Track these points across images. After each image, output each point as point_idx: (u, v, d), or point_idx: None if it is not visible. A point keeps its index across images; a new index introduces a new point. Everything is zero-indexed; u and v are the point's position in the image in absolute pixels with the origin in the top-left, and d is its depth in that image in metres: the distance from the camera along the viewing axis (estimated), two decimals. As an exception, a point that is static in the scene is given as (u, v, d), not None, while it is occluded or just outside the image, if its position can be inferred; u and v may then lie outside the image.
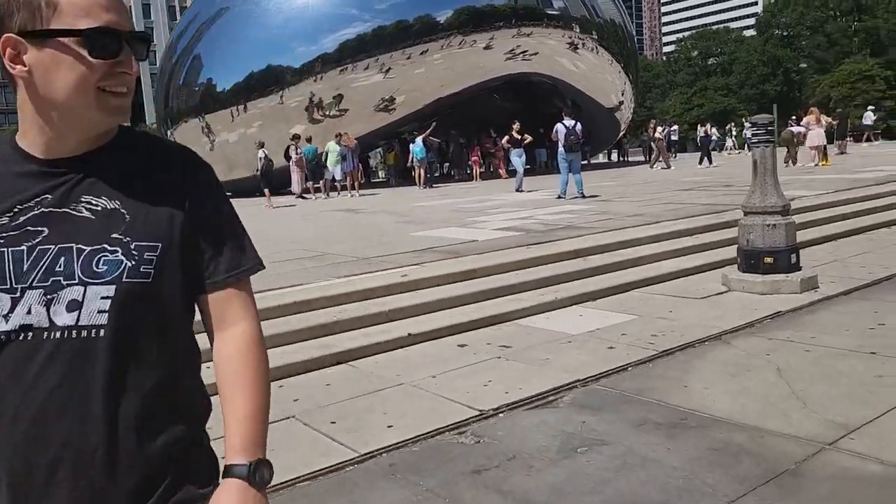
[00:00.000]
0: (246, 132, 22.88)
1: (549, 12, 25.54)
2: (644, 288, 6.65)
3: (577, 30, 26.08)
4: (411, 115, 23.88)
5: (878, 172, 15.04)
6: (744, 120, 30.36)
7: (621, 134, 32.26)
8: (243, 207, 12.31)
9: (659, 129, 25.78)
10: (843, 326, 5.22)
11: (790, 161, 18.87)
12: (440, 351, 5.16)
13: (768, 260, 6.35)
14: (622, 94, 29.04)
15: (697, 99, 56.98)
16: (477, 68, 24.72)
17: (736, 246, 6.80)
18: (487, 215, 11.44)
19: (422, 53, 22.91)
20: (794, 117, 24.20)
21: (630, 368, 4.56)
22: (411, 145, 21.56)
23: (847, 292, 6.25)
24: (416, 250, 7.89)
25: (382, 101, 23.05)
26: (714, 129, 31.69)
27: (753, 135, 6.85)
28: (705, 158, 23.46)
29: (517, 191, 16.09)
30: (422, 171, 21.07)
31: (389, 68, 22.90)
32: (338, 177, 19.43)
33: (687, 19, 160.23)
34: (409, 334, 5.28)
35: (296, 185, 20.32)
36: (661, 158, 23.90)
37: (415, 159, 20.80)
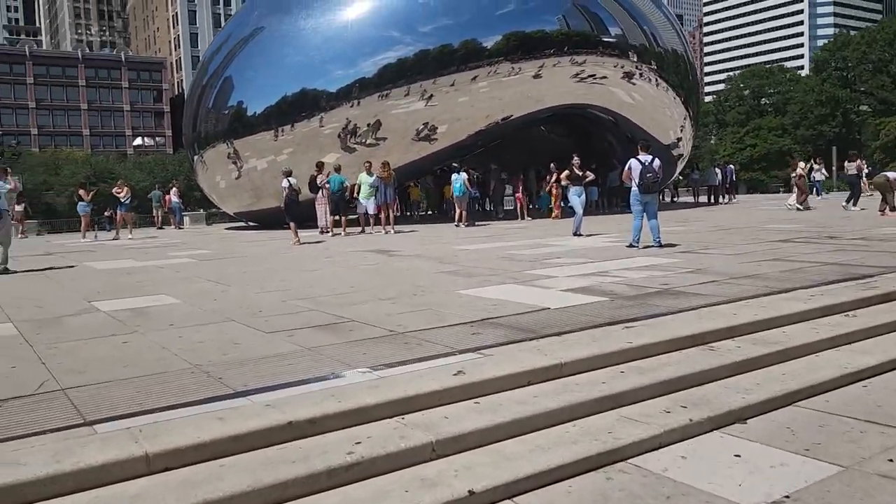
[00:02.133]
0: (276, 159, 21.22)
1: (605, 39, 23.62)
2: (817, 401, 4.47)
3: (635, 59, 24.11)
4: (452, 147, 22.05)
5: None
6: (813, 162, 27.87)
7: (677, 173, 30.01)
8: (267, 242, 10.03)
9: (801, 164, 23.02)
10: None
11: (886, 209, 16.45)
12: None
13: None
14: (681, 130, 26.89)
15: (750, 139, 54.48)
16: (525, 98, 22.87)
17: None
18: (549, 267, 9.35)
19: (472, 80, 21.13)
20: (851, 159, 21.40)
21: None
22: (454, 176, 19.61)
23: None
24: (471, 322, 5.83)
25: (423, 131, 21.27)
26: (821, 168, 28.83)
27: None
28: (851, 199, 20.07)
29: (575, 234, 13.99)
30: (463, 209, 19.18)
31: (431, 95, 21.16)
32: (370, 210, 17.71)
33: (730, 59, 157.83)
34: (471, 492, 3.19)
35: (321, 219, 18.52)
36: (800, 198, 20.83)
37: (454, 195, 18.87)
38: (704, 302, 6.36)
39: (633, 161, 11.05)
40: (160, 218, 30.02)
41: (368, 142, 20.81)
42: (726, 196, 28.28)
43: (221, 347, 5.19)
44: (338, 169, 18.13)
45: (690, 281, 7.61)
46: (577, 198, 14.03)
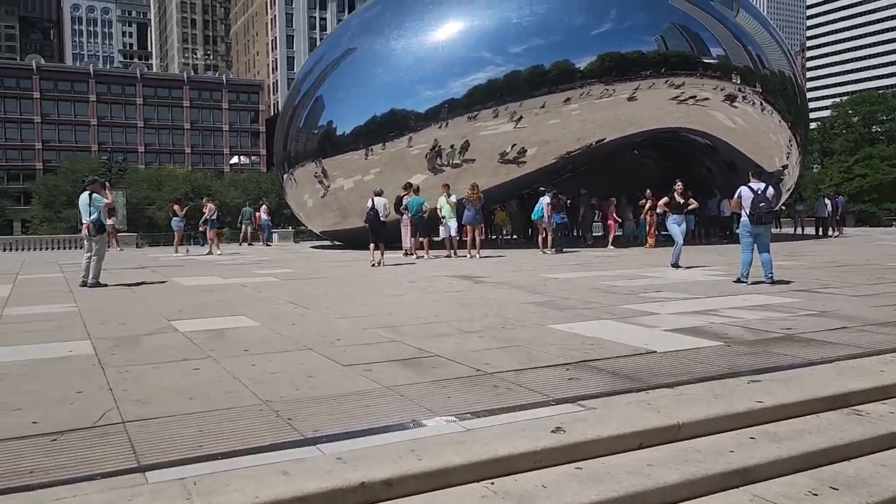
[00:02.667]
0: (363, 179, 21.21)
1: (706, 61, 22.48)
2: None
3: (738, 80, 22.84)
4: (541, 170, 21.43)
5: None
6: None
7: (780, 203, 28.21)
8: (350, 263, 9.36)
9: None
10: None
11: None
12: None
13: None
14: (787, 157, 25.28)
15: (860, 168, 51.14)
16: (618, 121, 22.03)
17: None
18: (649, 301, 8.58)
19: (564, 102, 20.52)
20: None
21: None
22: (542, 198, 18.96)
23: None
24: (566, 364, 5.21)
25: (511, 153, 20.77)
26: None
27: None
28: None
29: (673, 266, 13.06)
30: (549, 234, 18.51)
31: (521, 117, 20.66)
32: (452, 232, 17.37)
33: (836, 85, 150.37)
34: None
35: (405, 241, 18.25)
36: None
37: (545, 220, 18.22)
38: (840, 353, 5.49)
39: (743, 189, 10.13)
40: (249, 234, 30.64)
41: (455, 162, 20.50)
42: (835, 229, 26.32)
43: (295, 381, 4.79)
44: (417, 191, 17.84)
45: (817, 326, 6.70)
46: (676, 227, 13.11)
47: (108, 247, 26.39)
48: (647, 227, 20.66)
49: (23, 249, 33.52)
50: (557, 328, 6.77)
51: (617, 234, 22.42)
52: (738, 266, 10.40)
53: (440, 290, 10.28)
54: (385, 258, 15.00)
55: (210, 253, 21.47)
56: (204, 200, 22.14)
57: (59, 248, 33.28)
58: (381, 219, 15.01)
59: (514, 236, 28.76)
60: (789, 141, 25.04)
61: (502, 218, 24.28)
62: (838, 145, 57.62)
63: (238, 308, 8.54)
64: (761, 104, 23.64)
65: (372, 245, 14.91)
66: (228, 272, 14.12)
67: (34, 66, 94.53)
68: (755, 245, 10.23)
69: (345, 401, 4.29)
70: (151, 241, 40.88)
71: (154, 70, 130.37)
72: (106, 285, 11.20)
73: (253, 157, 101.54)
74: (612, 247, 20.27)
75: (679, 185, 13.35)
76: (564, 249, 19.15)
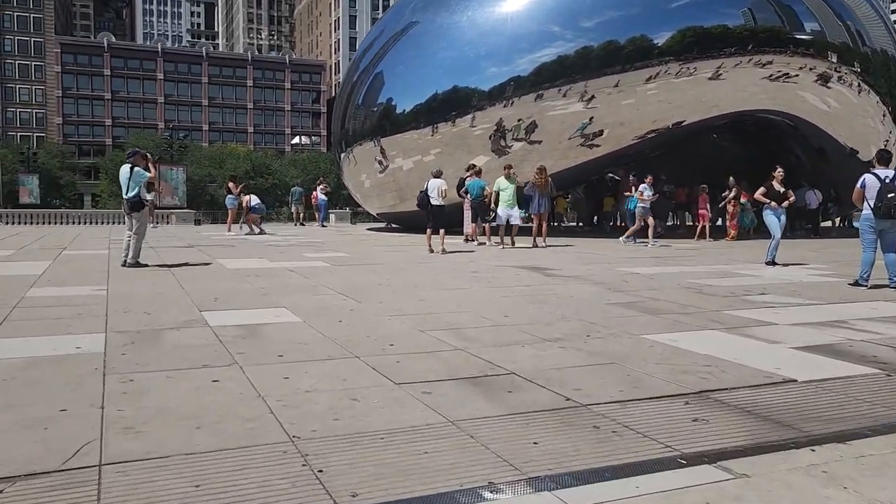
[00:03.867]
0: (422, 159, 20.19)
1: (799, 36, 20.49)
2: None
3: (834, 59, 20.77)
4: (614, 154, 19.95)
5: None
6: None
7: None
8: (407, 248, 7.81)
9: None
10: None
11: None
12: None
13: None
14: (885, 145, 22.99)
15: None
16: (699, 102, 20.32)
17: None
18: (757, 307, 7.24)
19: (640, 81, 18.95)
20: None
21: None
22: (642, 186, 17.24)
23: None
24: (683, 394, 4.01)
25: (583, 134, 19.33)
26: None
27: None
28: None
29: (768, 263, 11.57)
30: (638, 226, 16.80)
31: (593, 96, 19.20)
32: (513, 220, 15.70)
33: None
34: None
35: (466, 226, 17.14)
36: None
37: (629, 208, 16.71)
38: None
39: (867, 176, 8.62)
40: (300, 215, 30.08)
41: (521, 144, 19.22)
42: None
43: (334, 405, 3.74)
44: (479, 173, 16.63)
45: None
46: (775, 219, 11.57)
47: (153, 225, 26.13)
48: (729, 219, 18.96)
49: (89, 223, 33.86)
50: (656, 339, 5.54)
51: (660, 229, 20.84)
52: (858, 266, 8.91)
53: (507, 283, 9.13)
54: (445, 244, 13.90)
55: (262, 233, 20.79)
56: (239, 190, 20.80)
57: (121, 223, 33.41)
58: (435, 202, 13.74)
59: (579, 224, 27.35)
60: (890, 128, 22.78)
61: (563, 205, 22.85)
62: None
63: (280, 298, 7.59)
64: (859, 85, 21.52)
65: (429, 230, 13.82)
66: (277, 255, 13.28)
67: (105, 44, 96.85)
68: (878, 243, 8.73)
69: (396, 442, 3.21)
70: (213, 218, 40.89)
71: (220, 49, 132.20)
72: (146, 265, 10.46)
73: (313, 138, 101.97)
74: (699, 239, 18.63)
75: (780, 172, 11.80)
76: (637, 241, 17.71)
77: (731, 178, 19.24)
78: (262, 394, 3.93)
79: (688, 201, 22.41)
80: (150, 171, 10.47)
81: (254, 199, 20.85)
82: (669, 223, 24.82)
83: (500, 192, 15.53)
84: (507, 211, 15.47)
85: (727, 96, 20.25)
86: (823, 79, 21.00)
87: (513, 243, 15.63)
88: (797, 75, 20.25)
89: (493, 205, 15.54)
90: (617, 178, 24.55)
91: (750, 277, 9.91)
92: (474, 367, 4.61)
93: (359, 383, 4.20)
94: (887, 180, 8.44)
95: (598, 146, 19.34)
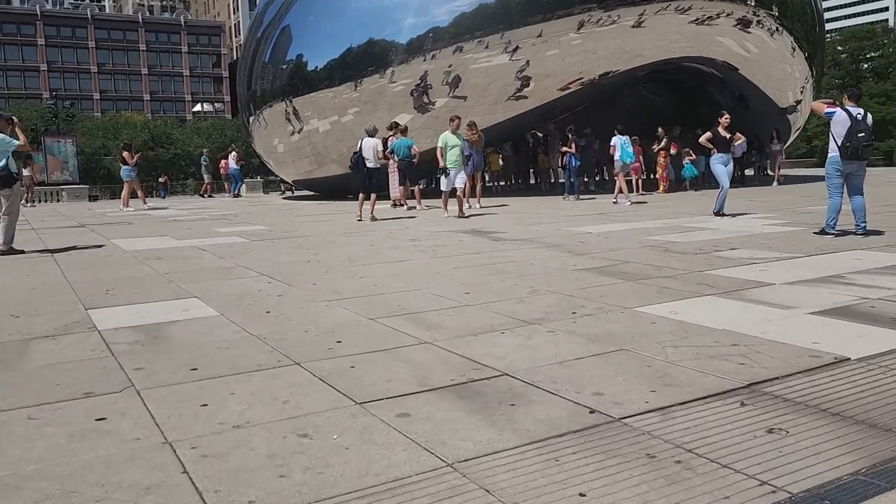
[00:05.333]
0: (340, 120, 18.75)
1: (718, -20, 20.07)
2: None
3: (752, 2, 20.49)
4: (542, 108, 19.10)
5: None
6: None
7: (789, 142, 26.33)
8: (332, 217, 7.02)
9: None
10: None
11: None
12: None
13: None
14: (801, 93, 23.20)
15: (849, 105, 49.41)
16: (623, 52, 19.63)
17: None
18: (738, 264, 6.51)
19: (563, 30, 18.05)
20: None
21: None
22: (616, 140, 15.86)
23: None
24: (729, 390, 3.11)
25: (509, 88, 18.35)
26: None
27: None
28: None
29: (717, 214, 11.03)
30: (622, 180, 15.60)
31: (517, 47, 18.17)
32: (458, 184, 13.05)
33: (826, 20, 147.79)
34: None
35: (394, 190, 15.96)
36: None
37: (623, 161, 15.39)
38: None
39: (839, 112, 7.98)
40: (210, 186, 28.15)
41: (445, 100, 18.06)
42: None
43: (277, 450, 2.61)
44: (405, 131, 15.37)
45: None
46: (722, 167, 10.99)
47: (31, 204, 23.45)
48: (659, 171, 18.54)
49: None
50: (654, 313, 4.66)
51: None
52: (806, 213, 8.37)
53: (453, 251, 8.09)
54: (375, 211, 12.69)
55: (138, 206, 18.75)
56: (135, 160, 18.28)
57: None
58: (371, 164, 12.35)
59: (504, 182, 26.56)
60: (806, 74, 22.94)
61: (498, 163, 21.96)
62: (826, 83, 55.77)
63: (190, 285, 6.28)
64: (777, 29, 21.39)
65: (361, 196, 12.52)
66: (184, 231, 11.74)
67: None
68: (845, 187, 8.20)
69: (379, 512, 2.13)
70: (111, 193, 37.82)
71: (106, 11, 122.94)
72: (22, 252, 8.80)
73: (217, 104, 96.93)
74: (637, 192, 17.95)
75: (726, 118, 11.20)
76: (568, 196, 17.05)
77: (661, 130, 18.80)
78: (169, 437, 2.76)
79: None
80: (18, 138, 8.71)
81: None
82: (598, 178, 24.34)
83: (448, 150, 13.04)
84: (456, 172, 13.04)
85: (650, 45, 19.68)
86: (743, 24, 20.69)
87: (461, 212, 12.65)
88: (718, 20, 19.88)
89: (443, 164, 13.02)
90: (540, 133, 23.83)
91: (709, 231, 9.27)
92: (454, 369, 3.56)
93: (306, 406, 3.08)
94: (859, 117, 7.85)
95: (525, 98, 18.42)
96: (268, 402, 3.15)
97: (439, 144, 13.13)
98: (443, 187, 13.13)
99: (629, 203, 14.57)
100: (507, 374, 3.45)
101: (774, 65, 22.09)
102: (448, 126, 13.28)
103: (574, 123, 22.76)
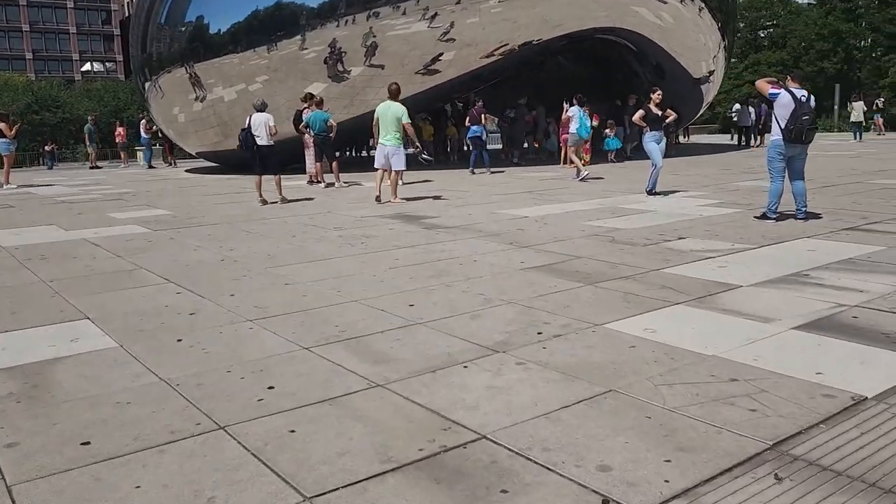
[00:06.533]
0: (247, 88, 17.39)
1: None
2: None
3: (667, -30, 20.39)
4: (463, 77, 18.39)
5: None
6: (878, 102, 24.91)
7: (700, 113, 26.78)
8: (242, 197, 6.58)
9: None
10: None
11: None
12: None
13: None
14: (713, 62, 23.49)
15: (749, 75, 51.29)
16: (543, 22, 19.11)
17: None
18: (694, 260, 6.14)
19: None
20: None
21: None
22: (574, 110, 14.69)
23: None
24: (756, 457, 2.62)
25: (426, 57, 17.53)
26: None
27: None
28: None
29: (650, 193, 10.78)
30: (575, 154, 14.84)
31: (436, 14, 17.32)
32: (400, 166, 11.04)
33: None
34: None
35: (309, 165, 14.95)
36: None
37: (580, 136, 14.22)
38: None
39: (783, 94, 7.71)
40: (94, 156, 26.20)
41: (361, 69, 17.06)
42: (756, 139, 25.12)
43: None
44: (320, 103, 14.32)
45: None
46: (655, 145, 10.70)
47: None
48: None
49: None
50: (625, 331, 4.16)
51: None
52: (739, 192, 8.17)
53: (385, 244, 7.37)
54: (285, 187, 11.71)
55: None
56: (15, 132, 16.32)
57: None
58: (263, 143, 10.99)
59: (429, 159, 25.70)
60: (718, 44, 23.21)
61: (431, 133, 21.16)
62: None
63: (82, 298, 5.31)
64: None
65: (258, 177, 11.47)
66: (74, 217, 10.43)
67: None
68: (789, 170, 8.01)
69: None
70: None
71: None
72: None
73: (108, 64, 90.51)
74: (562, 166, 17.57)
75: (658, 94, 10.89)
76: (480, 170, 16.53)
77: (579, 96, 18.43)
78: (49, 583, 1.99)
79: (535, 126, 21.55)
80: None
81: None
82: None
83: (381, 120, 10.87)
84: (395, 150, 10.84)
85: (570, 14, 19.27)
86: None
87: (393, 193, 11.09)
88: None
89: (376, 138, 11.16)
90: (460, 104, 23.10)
91: (648, 215, 8.93)
92: (419, 430, 2.92)
93: (239, 508, 2.37)
94: (803, 99, 7.61)
95: (446, 67, 17.65)
96: (188, 501, 2.41)
97: (374, 115, 11.04)
98: (379, 163, 11.08)
99: (587, 174, 13.67)
100: (486, 438, 2.84)
101: (689, 35, 22.18)
102: (390, 93, 11.27)
103: (496, 96, 22.30)
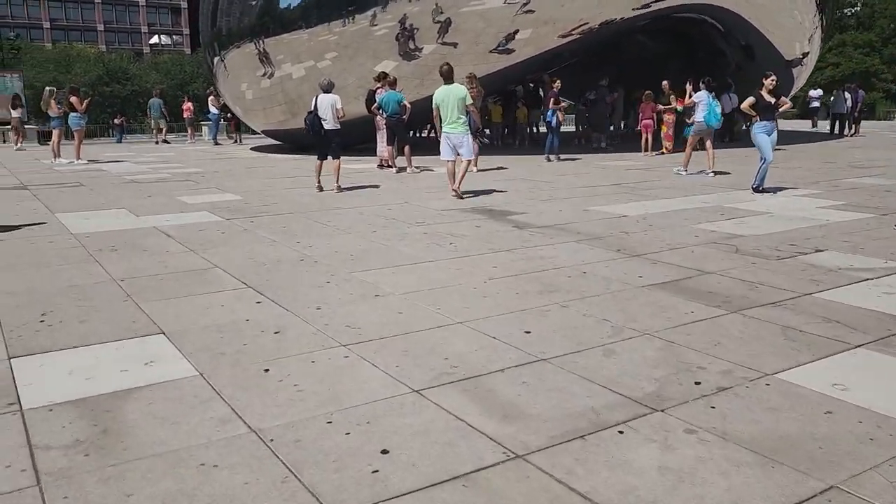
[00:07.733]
0: (316, 65, 16.86)
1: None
2: None
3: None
4: (540, 57, 17.44)
5: None
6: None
7: (790, 96, 25.09)
8: (300, 181, 5.43)
9: None
10: None
11: None
12: None
13: None
14: (808, 44, 21.87)
15: (833, 57, 48.48)
16: (623, -1, 17.94)
17: None
18: (846, 282, 5.24)
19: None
20: None
21: None
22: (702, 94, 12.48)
23: None
24: None
25: (500, 35, 16.62)
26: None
27: None
28: None
29: (757, 190, 9.77)
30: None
31: (514, -11, 16.37)
32: (468, 155, 10.08)
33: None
34: None
35: (381, 148, 14.32)
36: None
37: (708, 124, 12.16)
38: None
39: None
40: (162, 131, 26.16)
41: (433, 46, 16.29)
42: (851, 127, 23.39)
43: None
44: (394, 83, 13.60)
45: None
46: (766, 136, 9.66)
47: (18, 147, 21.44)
48: (665, 129, 17.15)
49: None
50: (808, 387, 3.36)
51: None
52: (836, 188, 7.14)
53: (476, 247, 6.66)
54: (355, 173, 11.11)
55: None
56: (86, 106, 15.92)
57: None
58: (330, 126, 10.32)
59: (488, 140, 24.91)
60: (815, 24, 21.55)
61: (500, 115, 20.33)
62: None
63: (155, 304, 4.78)
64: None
65: (318, 162, 10.80)
66: (144, 200, 10.04)
67: None
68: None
69: None
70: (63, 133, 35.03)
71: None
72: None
73: (175, 37, 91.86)
74: (647, 153, 16.48)
75: (771, 79, 9.79)
76: (563, 157, 15.65)
77: (666, 83, 17.32)
78: None
79: (613, 110, 20.45)
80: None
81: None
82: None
83: (443, 108, 10.04)
84: (463, 137, 9.92)
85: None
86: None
87: (458, 184, 10.01)
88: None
89: (437, 124, 10.31)
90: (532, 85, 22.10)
91: (765, 217, 7.99)
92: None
93: None
94: None
95: (522, 46, 16.73)
96: None
97: (434, 103, 10.78)
98: (445, 156, 10.02)
99: (712, 175, 11.99)
100: (686, 562, 2.11)
101: (784, 11, 20.63)
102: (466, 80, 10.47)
103: (570, 76, 21.20)
